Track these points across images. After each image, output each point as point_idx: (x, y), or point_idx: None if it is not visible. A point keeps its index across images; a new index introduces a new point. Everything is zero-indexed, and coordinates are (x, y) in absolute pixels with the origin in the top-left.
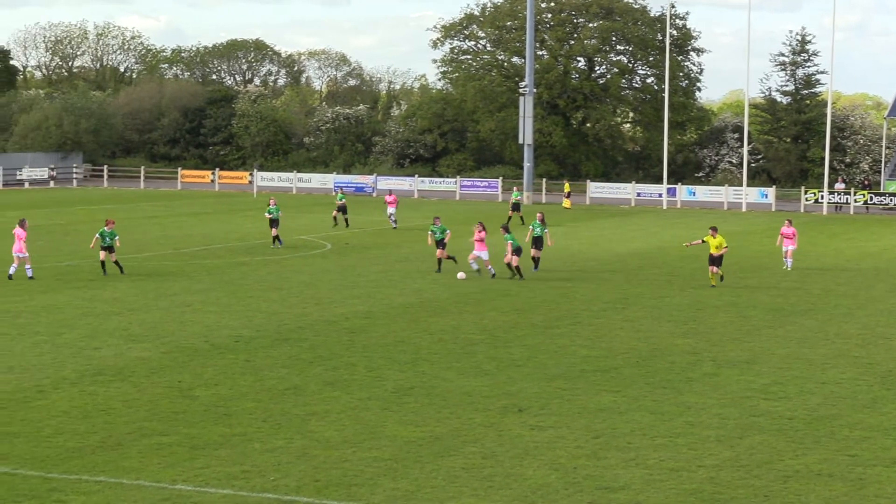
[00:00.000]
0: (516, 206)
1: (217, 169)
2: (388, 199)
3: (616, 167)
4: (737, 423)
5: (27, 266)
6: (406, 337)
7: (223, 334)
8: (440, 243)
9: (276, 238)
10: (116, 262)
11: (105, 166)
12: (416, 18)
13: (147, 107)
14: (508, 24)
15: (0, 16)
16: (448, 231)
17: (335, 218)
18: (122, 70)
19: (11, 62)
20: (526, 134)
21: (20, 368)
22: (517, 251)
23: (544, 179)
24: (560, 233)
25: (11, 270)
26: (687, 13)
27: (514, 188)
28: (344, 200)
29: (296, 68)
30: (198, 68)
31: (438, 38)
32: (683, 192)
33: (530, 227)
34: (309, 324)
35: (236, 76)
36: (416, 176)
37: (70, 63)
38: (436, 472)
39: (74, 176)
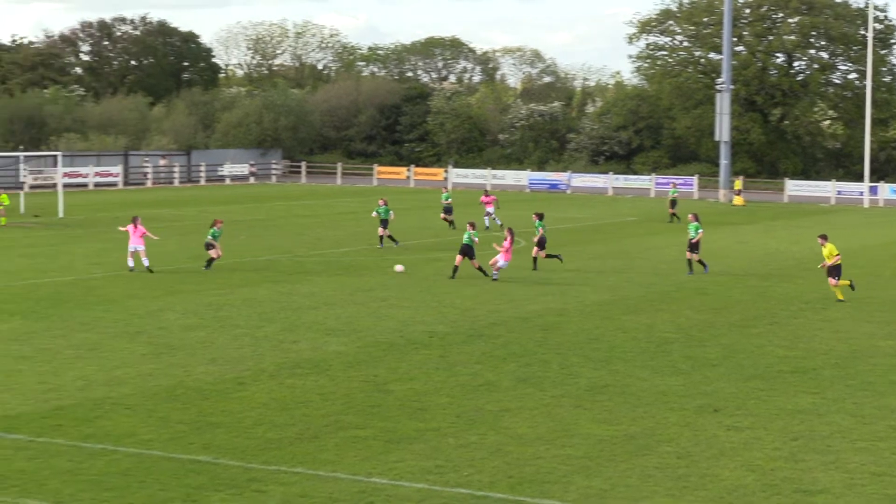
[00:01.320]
0: (673, 204)
1: (412, 165)
2: (485, 199)
3: (815, 165)
4: None
5: (143, 258)
6: (600, 334)
7: (418, 330)
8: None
9: (388, 237)
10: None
11: (303, 162)
12: (611, 14)
13: (344, 104)
14: (705, 19)
15: (203, 15)
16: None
17: (449, 221)
18: (320, 68)
19: (214, 60)
20: (722, 131)
21: (222, 360)
22: (540, 243)
23: (741, 177)
24: (728, 232)
25: (131, 264)
26: (886, 4)
27: (672, 184)
28: (450, 200)
29: (491, 65)
30: (394, 65)
31: (634, 34)
32: (886, 190)
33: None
34: (502, 320)
35: (432, 73)
36: (611, 173)
37: (270, 61)
38: (629, 471)
39: (273, 172)
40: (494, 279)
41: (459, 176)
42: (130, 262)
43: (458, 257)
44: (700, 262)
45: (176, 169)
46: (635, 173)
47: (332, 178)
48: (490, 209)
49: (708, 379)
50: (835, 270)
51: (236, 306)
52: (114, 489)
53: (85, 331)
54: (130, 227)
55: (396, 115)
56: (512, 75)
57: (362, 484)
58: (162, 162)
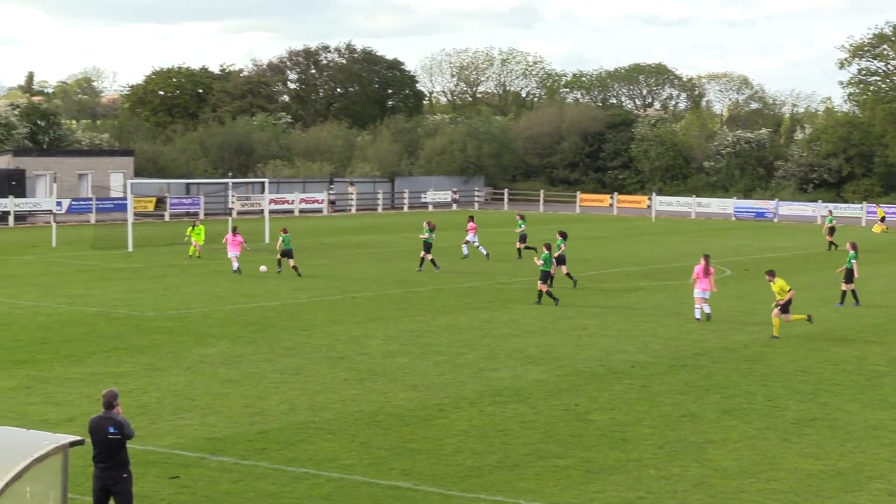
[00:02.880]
0: (831, 231)
1: (615, 193)
2: (470, 226)
3: None
4: None
5: (234, 262)
6: (807, 366)
7: (619, 359)
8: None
9: (430, 261)
10: (295, 268)
11: (505, 189)
12: (822, 39)
13: (547, 131)
14: None
15: (408, 43)
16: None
17: (519, 250)
18: (523, 95)
19: (418, 88)
20: None
21: (423, 387)
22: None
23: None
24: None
25: (235, 266)
26: None
27: (828, 211)
28: (523, 227)
29: (696, 92)
30: (598, 92)
31: (846, 59)
32: None
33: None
34: (706, 350)
35: (636, 100)
36: (820, 202)
37: (474, 88)
38: None
39: (476, 199)
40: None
41: (664, 203)
42: (235, 265)
43: (540, 283)
44: (853, 293)
45: (379, 195)
46: (845, 202)
47: (535, 206)
48: (471, 236)
49: None
50: (786, 306)
51: (437, 333)
52: None
53: (289, 355)
54: (229, 237)
55: (600, 142)
56: (718, 101)
57: None
58: (350, 189)
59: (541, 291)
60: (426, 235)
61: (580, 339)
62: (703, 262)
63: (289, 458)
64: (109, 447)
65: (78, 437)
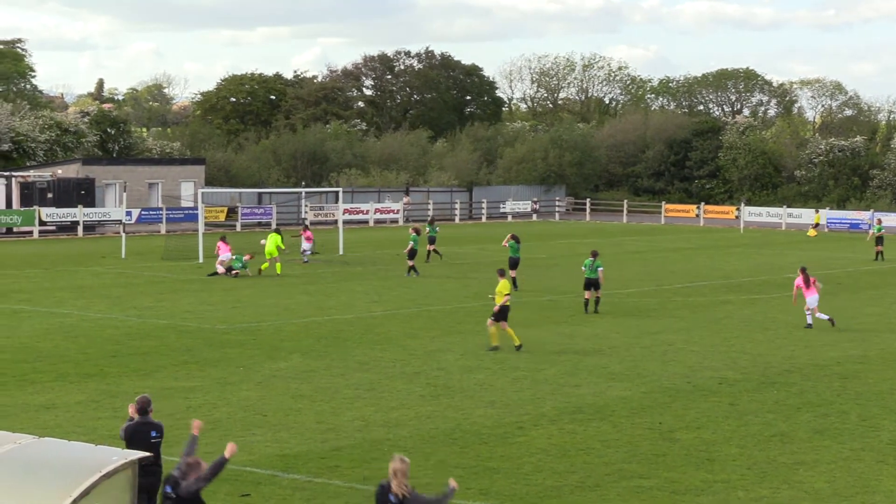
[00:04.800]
0: (879, 241)
1: (702, 203)
2: (304, 234)
3: None
4: None
5: (218, 265)
6: None
7: (706, 375)
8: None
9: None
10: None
11: (587, 199)
12: None
13: (631, 139)
14: None
15: (487, 48)
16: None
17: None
18: (606, 101)
19: (497, 94)
20: None
21: (501, 404)
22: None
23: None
24: None
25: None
26: None
27: (877, 220)
28: (438, 231)
29: (787, 98)
30: (684, 98)
31: None
32: None
33: None
34: (797, 367)
35: (724, 107)
36: None
37: (555, 95)
38: None
39: (557, 209)
40: (809, 325)
41: (752, 214)
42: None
43: (586, 292)
44: None
45: (457, 205)
46: None
47: (618, 216)
48: (307, 245)
49: None
50: (501, 313)
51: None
52: None
53: (363, 370)
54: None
55: (686, 150)
56: (810, 108)
57: None
58: (405, 199)
59: (587, 300)
60: (414, 236)
61: (665, 354)
62: (801, 274)
63: (362, 477)
64: (154, 452)
65: (147, 453)
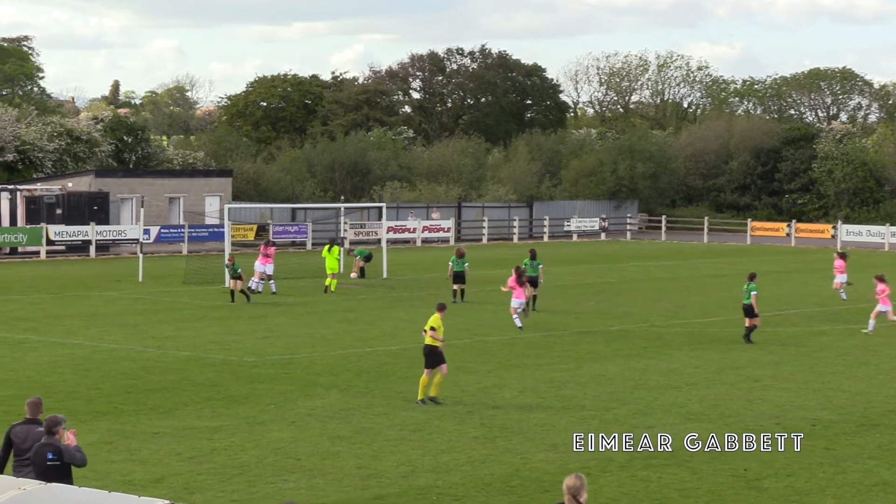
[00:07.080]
0: None
1: (793, 220)
2: (264, 250)
3: None
4: None
5: (259, 281)
6: None
7: (797, 416)
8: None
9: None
10: (242, 291)
11: (663, 216)
12: None
13: (713, 148)
14: None
15: (551, 46)
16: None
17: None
18: (684, 105)
19: (561, 98)
20: None
21: (564, 447)
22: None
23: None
24: None
25: (252, 285)
26: None
27: None
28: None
29: (891, 101)
30: (773, 102)
31: None
32: None
33: None
34: None
35: (818, 111)
36: None
37: (626, 98)
38: None
39: (628, 227)
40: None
41: (851, 233)
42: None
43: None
44: None
45: (515, 223)
46: None
47: (698, 235)
48: (266, 265)
49: None
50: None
51: (582, 384)
52: None
53: (410, 409)
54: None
55: (775, 160)
56: None
57: None
58: (434, 215)
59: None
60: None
61: (751, 392)
62: (877, 283)
63: None
64: (48, 476)
65: (167, 501)
